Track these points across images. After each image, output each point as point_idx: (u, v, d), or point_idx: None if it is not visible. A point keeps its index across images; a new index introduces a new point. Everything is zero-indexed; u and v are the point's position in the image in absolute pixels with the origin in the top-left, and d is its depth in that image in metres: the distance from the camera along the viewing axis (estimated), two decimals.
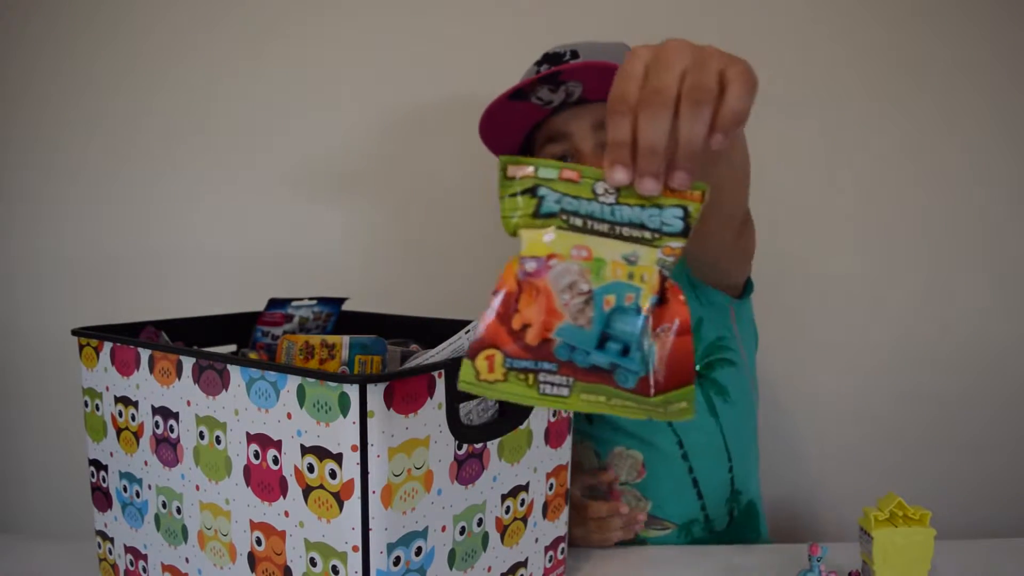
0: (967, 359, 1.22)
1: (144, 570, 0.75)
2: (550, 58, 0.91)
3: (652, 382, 0.45)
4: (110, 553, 0.79)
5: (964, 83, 1.19)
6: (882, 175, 1.22)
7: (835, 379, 1.24)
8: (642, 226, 0.45)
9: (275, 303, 0.93)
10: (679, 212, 0.45)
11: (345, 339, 0.74)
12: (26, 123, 1.28)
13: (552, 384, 0.45)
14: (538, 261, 0.45)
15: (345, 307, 0.98)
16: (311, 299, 0.94)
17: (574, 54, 0.89)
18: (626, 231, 0.45)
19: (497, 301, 0.45)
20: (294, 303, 0.93)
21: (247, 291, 1.14)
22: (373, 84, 1.24)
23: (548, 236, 0.46)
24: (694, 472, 0.94)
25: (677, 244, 0.45)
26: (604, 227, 0.46)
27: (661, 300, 0.45)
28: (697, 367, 0.91)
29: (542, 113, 0.90)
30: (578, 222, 0.46)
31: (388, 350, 0.77)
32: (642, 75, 0.43)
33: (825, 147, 1.22)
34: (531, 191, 0.46)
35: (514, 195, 0.46)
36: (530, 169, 0.46)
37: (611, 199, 0.46)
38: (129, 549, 0.77)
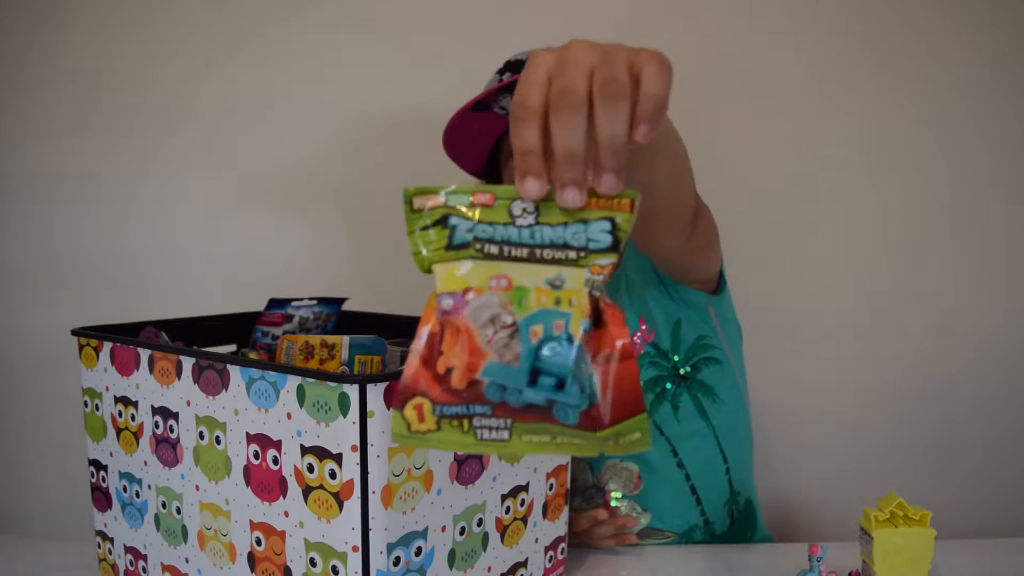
0: (967, 359, 1.22)
1: (144, 570, 0.75)
2: (512, 66, 0.89)
3: (598, 414, 0.40)
4: (110, 553, 0.79)
5: (960, 82, 1.19)
6: (883, 175, 1.22)
7: (835, 379, 1.24)
8: (565, 246, 0.41)
9: (275, 303, 0.93)
10: (606, 225, 0.41)
11: (345, 339, 0.74)
12: (24, 123, 1.28)
13: (489, 428, 0.42)
14: (455, 297, 0.42)
15: (345, 307, 0.98)
16: (311, 299, 0.94)
17: None
18: (548, 253, 0.41)
19: (420, 343, 0.42)
20: (294, 303, 0.93)
21: (247, 291, 1.14)
22: (373, 84, 1.24)
23: (463, 268, 0.42)
24: (691, 479, 0.92)
25: (606, 260, 0.41)
26: (523, 252, 0.42)
27: (597, 324, 0.41)
28: (682, 371, 0.90)
29: (504, 122, 0.88)
30: (494, 249, 0.42)
31: (388, 350, 0.77)
32: (546, 79, 0.40)
33: (825, 147, 1.22)
34: (442, 222, 0.43)
35: (425, 228, 0.43)
36: (439, 198, 0.43)
37: (530, 219, 0.41)
38: (129, 549, 0.77)
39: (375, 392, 0.56)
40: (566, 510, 0.79)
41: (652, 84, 0.38)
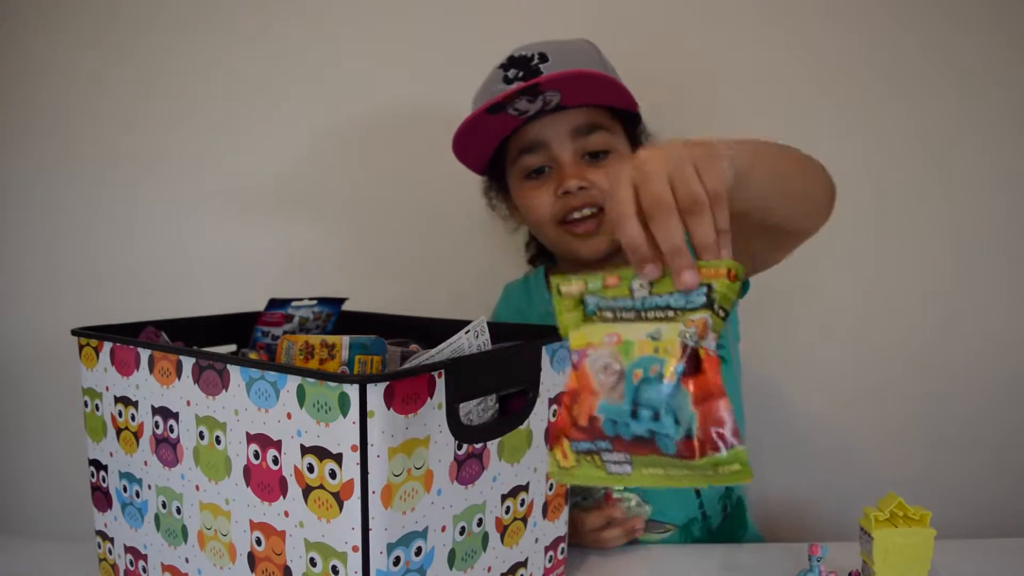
0: (967, 359, 1.21)
1: (144, 570, 0.75)
2: (517, 62, 0.89)
3: (694, 446, 0.47)
4: (110, 553, 0.79)
5: (960, 81, 1.19)
6: (883, 174, 1.22)
7: (835, 379, 1.24)
8: (667, 307, 0.50)
9: (275, 303, 0.93)
10: (703, 290, 0.49)
11: (345, 339, 0.74)
12: (24, 124, 1.28)
13: (615, 463, 0.50)
14: (579, 353, 0.52)
15: (345, 307, 0.98)
16: (311, 299, 0.94)
17: (542, 57, 0.87)
18: (652, 314, 0.51)
19: (563, 394, 0.53)
20: (294, 303, 0.93)
21: (247, 291, 1.14)
22: (374, 84, 1.24)
23: (587, 331, 0.53)
24: None
25: (699, 316, 0.49)
26: (632, 315, 0.52)
27: (697, 370, 0.48)
28: None
29: (516, 122, 0.89)
30: (609, 315, 0.52)
31: (388, 350, 0.77)
32: (632, 191, 0.50)
33: (825, 146, 1.22)
34: (581, 302, 0.54)
35: (569, 310, 0.54)
36: (579, 286, 0.54)
37: (644, 292, 0.51)
38: (129, 549, 0.77)
39: (375, 392, 0.56)
40: (566, 510, 0.79)
41: (719, 208, 0.50)
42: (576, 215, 0.90)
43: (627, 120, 0.95)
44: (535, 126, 0.90)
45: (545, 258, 1.11)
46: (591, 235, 0.91)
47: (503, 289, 1.12)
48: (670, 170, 0.49)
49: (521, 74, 0.87)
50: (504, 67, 0.90)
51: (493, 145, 0.94)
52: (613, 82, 0.87)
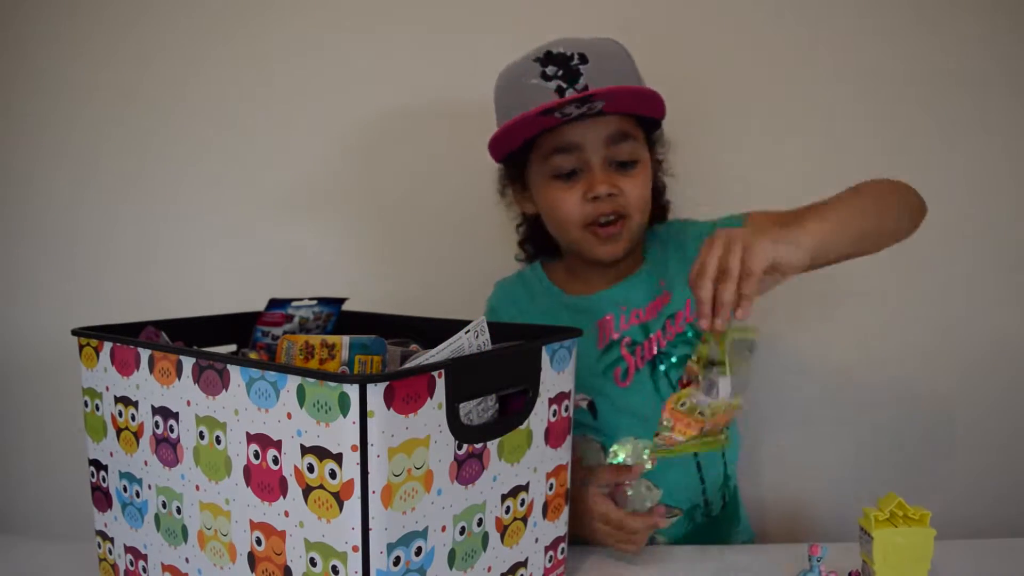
0: (967, 359, 1.21)
1: (144, 570, 0.75)
2: (556, 59, 0.89)
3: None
4: (110, 553, 0.80)
5: (960, 81, 1.19)
6: (882, 175, 1.22)
7: (835, 379, 1.24)
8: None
9: (275, 303, 0.93)
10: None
11: (345, 339, 0.74)
12: (24, 123, 1.28)
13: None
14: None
15: (345, 307, 0.98)
16: (311, 299, 0.94)
17: (582, 58, 0.89)
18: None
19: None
20: (294, 303, 0.93)
21: (247, 291, 1.14)
22: (372, 83, 1.24)
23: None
24: (698, 457, 0.97)
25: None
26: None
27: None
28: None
29: (554, 123, 0.90)
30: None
31: (388, 350, 0.77)
32: (717, 260, 0.70)
33: (825, 146, 1.22)
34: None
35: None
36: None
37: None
38: (129, 549, 0.77)
39: (375, 392, 0.56)
40: (566, 510, 0.79)
41: (749, 280, 0.70)
42: (602, 220, 0.93)
43: (648, 126, 0.98)
44: (572, 129, 0.91)
45: (542, 254, 1.11)
46: (613, 239, 0.94)
47: (496, 287, 1.11)
48: (738, 251, 0.69)
49: (560, 72, 0.88)
50: (541, 62, 0.90)
51: (523, 138, 0.94)
52: (655, 96, 0.89)
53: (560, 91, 0.88)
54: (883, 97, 1.20)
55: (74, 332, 0.78)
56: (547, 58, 0.90)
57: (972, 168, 1.20)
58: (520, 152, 0.97)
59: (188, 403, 0.68)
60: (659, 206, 1.06)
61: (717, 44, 1.21)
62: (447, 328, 0.78)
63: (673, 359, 0.98)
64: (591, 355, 0.98)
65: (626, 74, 0.92)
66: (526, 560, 0.74)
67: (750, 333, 0.75)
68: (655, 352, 0.98)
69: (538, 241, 1.09)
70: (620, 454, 0.94)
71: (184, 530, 0.70)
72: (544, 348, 0.72)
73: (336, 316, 0.98)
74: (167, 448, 0.71)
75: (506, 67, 0.96)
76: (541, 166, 0.95)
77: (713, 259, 0.70)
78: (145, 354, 0.71)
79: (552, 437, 0.75)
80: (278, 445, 0.61)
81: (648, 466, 0.88)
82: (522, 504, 0.72)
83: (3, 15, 1.26)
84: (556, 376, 0.74)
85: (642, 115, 0.94)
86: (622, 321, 0.99)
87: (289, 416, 0.60)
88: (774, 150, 1.21)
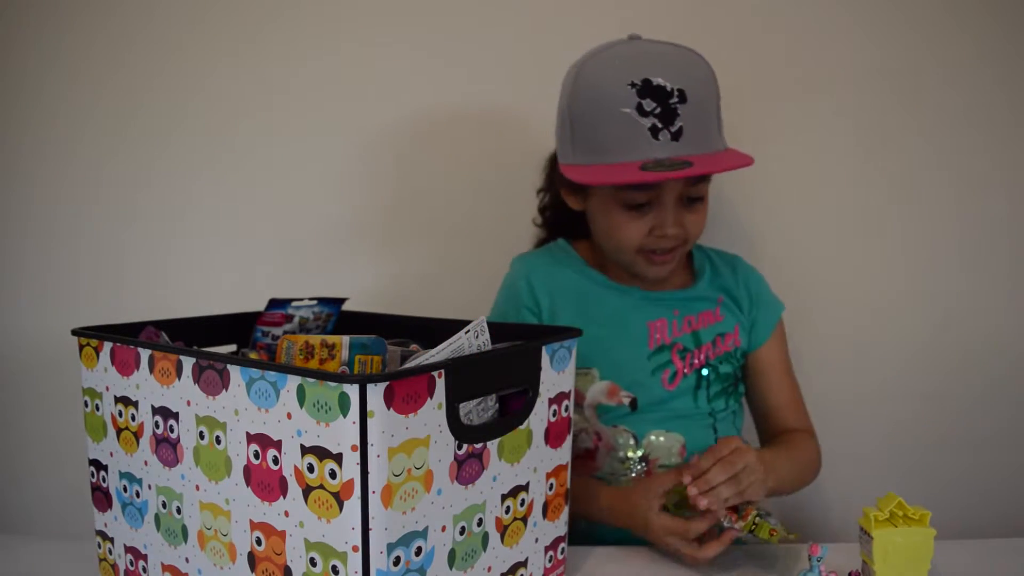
0: (967, 359, 1.21)
1: (144, 570, 0.75)
2: (655, 92, 0.85)
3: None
4: (110, 553, 0.80)
5: (960, 83, 1.19)
6: (882, 175, 1.22)
7: (834, 379, 1.23)
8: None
9: (275, 303, 0.93)
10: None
11: (345, 339, 0.74)
12: (25, 123, 1.28)
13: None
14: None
15: (345, 307, 0.98)
16: (311, 299, 0.94)
17: (681, 96, 0.85)
18: None
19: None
20: (294, 303, 0.93)
21: (247, 291, 1.14)
22: (376, 84, 1.24)
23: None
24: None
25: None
26: None
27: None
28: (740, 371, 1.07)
29: (643, 177, 0.86)
30: None
31: (388, 350, 0.77)
32: (728, 473, 0.81)
33: (824, 147, 1.22)
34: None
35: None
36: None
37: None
38: (129, 549, 0.77)
39: (375, 392, 0.56)
40: (566, 510, 0.79)
41: (749, 489, 0.83)
42: (660, 250, 0.95)
43: None
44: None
45: (559, 227, 1.10)
46: (666, 264, 0.97)
47: (518, 262, 1.06)
48: (738, 469, 0.82)
49: (658, 110, 0.85)
50: (640, 92, 0.85)
51: (607, 181, 0.91)
52: (747, 163, 0.88)
53: (654, 130, 0.85)
54: (875, 96, 1.20)
55: (74, 332, 0.78)
56: (645, 88, 0.85)
57: (971, 167, 1.20)
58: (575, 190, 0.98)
59: (188, 403, 0.68)
60: None
61: (717, 43, 1.21)
62: (447, 328, 0.78)
63: (718, 371, 1.01)
64: (641, 353, 0.99)
65: (715, 114, 0.91)
66: (526, 560, 0.74)
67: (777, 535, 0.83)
68: (703, 362, 1.00)
69: (561, 216, 1.09)
70: (650, 446, 0.97)
71: (184, 530, 0.70)
72: (544, 348, 0.72)
73: (336, 316, 0.98)
74: (167, 448, 0.71)
75: (589, 69, 0.91)
76: (612, 190, 0.93)
77: (733, 469, 0.81)
78: (145, 354, 0.71)
79: (552, 437, 0.75)
80: (278, 445, 0.61)
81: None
82: (522, 504, 0.72)
83: (12, 9, 1.26)
84: (556, 376, 0.74)
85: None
86: (675, 327, 1.00)
87: (289, 416, 0.60)
88: (766, 149, 1.20)
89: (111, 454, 0.77)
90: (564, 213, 1.06)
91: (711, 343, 1.01)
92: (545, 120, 1.00)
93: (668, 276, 1.01)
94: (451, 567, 0.65)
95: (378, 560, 0.58)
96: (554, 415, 0.74)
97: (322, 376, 0.57)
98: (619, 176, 0.87)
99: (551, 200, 1.11)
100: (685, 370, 0.99)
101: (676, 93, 0.86)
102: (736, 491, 0.80)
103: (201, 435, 0.67)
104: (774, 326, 1.07)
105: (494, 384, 0.68)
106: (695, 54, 0.92)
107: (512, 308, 1.02)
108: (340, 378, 0.56)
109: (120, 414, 0.75)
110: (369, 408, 0.56)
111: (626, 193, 0.92)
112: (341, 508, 0.58)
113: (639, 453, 0.97)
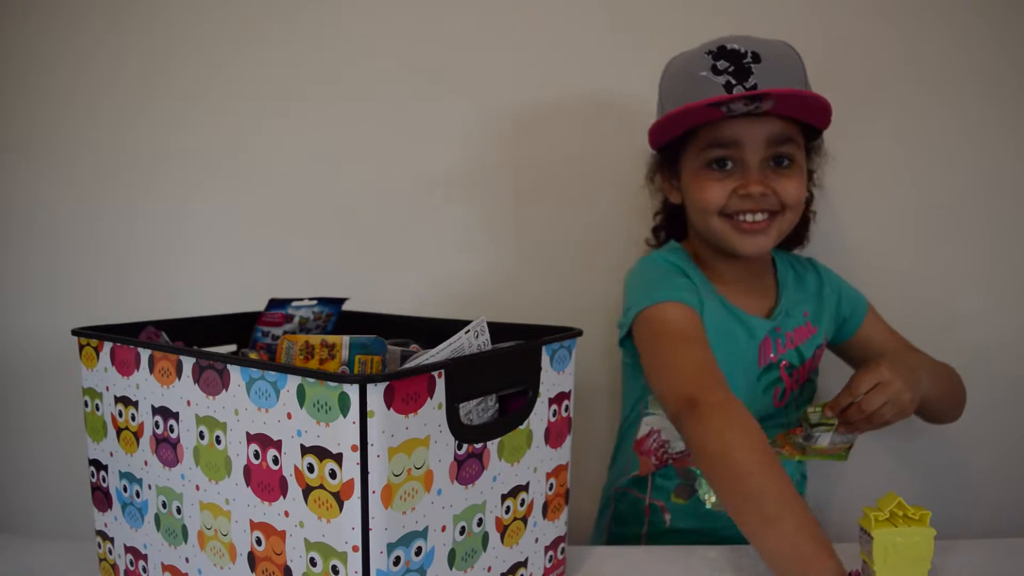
0: (967, 359, 1.21)
1: (144, 570, 0.75)
2: (729, 55, 0.88)
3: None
4: (110, 553, 0.80)
5: (959, 88, 1.19)
6: (883, 175, 1.22)
7: (834, 379, 1.23)
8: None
9: (275, 303, 0.93)
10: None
11: (345, 339, 0.74)
12: (23, 123, 1.28)
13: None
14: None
15: (345, 307, 0.98)
16: (311, 299, 0.94)
17: (755, 57, 0.88)
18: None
19: None
20: (294, 303, 0.93)
21: (247, 291, 1.14)
22: (376, 84, 1.24)
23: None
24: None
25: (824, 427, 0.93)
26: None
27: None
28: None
29: (718, 115, 0.89)
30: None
31: (388, 350, 0.77)
32: (883, 398, 0.88)
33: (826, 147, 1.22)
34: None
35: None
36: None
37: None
38: (129, 549, 0.77)
39: (375, 392, 0.56)
40: (566, 510, 0.79)
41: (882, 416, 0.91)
42: (749, 217, 0.93)
43: (808, 133, 0.97)
44: (735, 124, 0.90)
45: (672, 235, 1.09)
46: (756, 233, 0.94)
47: (650, 262, 1.03)
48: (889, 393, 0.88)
49: (732, 68, 0.87)
50: (714, 56, 0.89)
51: (685, 128, 0.94)
52: (825, 105, 0.89)
53: (728, 86, 0.87)
54: (875, 98, 1.20)
55: (74, 332, 0.78)
56: (720, 52, 0.89)
57: (972, 169, 1.20)
58: (678, 141, 0.97)
59: (188, 403, 0.68)
60: (803, 216, 1.06)
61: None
62: (447, 328, 0.78)
63: (814, 382, 1.05)
64: (751, 372, 0.99)
65: (796, 79, 0.91)
66: (526, 560, 0.74)
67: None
68: (808, 377, 1.02)
69: (673, 232, 1.09)
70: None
71: (184, 530, 0.70)
72: (544, 348, 0.72)
73: (336, 316, 0.98)
74: (167, 448, 0.71)
75: (677, 56, 0.96)
76: (697, 156, 0.94)
77: (874, 399, 0.87)
78: (145, 354, 0.71)
79: (552, 437, 0.75)
80: (278, 445, 0.61)
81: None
82: (522, 504, 0.72)
83: (16, 10, 1.26)
84: (556, 376, 0.74)
85: (807, 122, 0.93)
86: (779, 344, 1.01)
87: (289, 416, 0.60)
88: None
89: (111, 454, 0.77)
90: (676, 232, 1.08)
91: (811, 357, 1.03)
92: None
93: (760, 272, 1.02)
94: (451, 567, 0.65)
95: (378, 560, 0.58)
96: (554, 415, 0.74)
97: (322, 376, 0.57)
98: (685, 110, 0.87)
99: (664, 220, 1.11)
100: (792, 386, 1.01)
101: (750, 54, 0.88)
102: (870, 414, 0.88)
103: (201, 435, 0.67)
104: (866, 309, 1.10)
105: (494, 384, 0.68)
106: (781, 41, 0.93)
107: (662, 274, 0.98)
108: (340, 378, 0.56)
109: (120, 414, 0.75)
110: (369, 408, 0.56)
111: (709, 153, 0.92)
112: (341, 508, 0.58)
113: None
